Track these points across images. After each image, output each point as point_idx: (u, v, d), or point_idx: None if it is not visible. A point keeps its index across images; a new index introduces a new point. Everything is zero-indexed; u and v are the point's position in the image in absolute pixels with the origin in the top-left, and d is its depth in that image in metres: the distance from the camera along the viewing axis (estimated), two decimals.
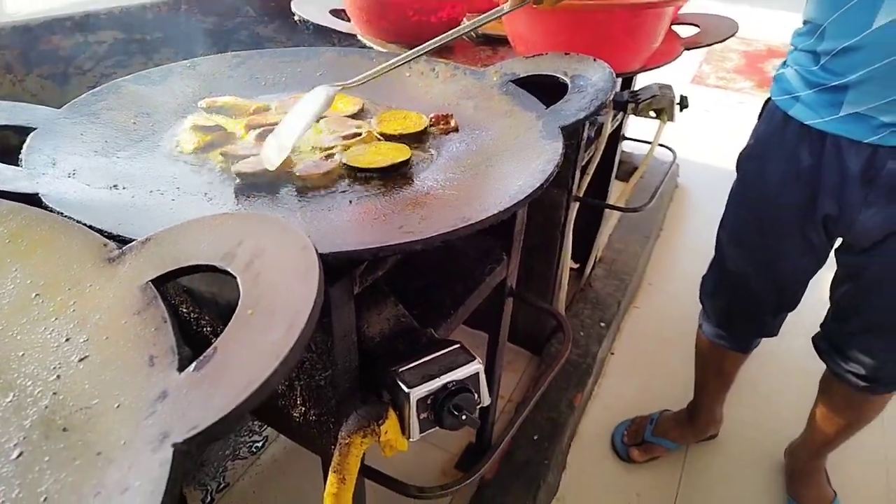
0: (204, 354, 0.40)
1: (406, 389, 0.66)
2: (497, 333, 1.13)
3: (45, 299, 0.48)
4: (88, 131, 0.79)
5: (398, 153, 0.80)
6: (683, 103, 1.44)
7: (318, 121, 0.89)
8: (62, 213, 0.59)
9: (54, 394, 0.41)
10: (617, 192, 1.81)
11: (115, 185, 0.69)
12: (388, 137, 0.86)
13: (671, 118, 1.42)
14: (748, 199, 1.10)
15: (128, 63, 1.17)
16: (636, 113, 1.43)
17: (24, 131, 0.76)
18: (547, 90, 0.94)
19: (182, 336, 0.43)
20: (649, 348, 1.69)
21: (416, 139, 0.86)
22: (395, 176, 0.77)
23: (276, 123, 0.86)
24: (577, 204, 1.41)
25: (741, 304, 1.19)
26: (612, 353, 1.65)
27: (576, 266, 1.83)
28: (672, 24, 1.40)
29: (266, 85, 1.01)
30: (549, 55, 1.00)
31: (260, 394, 0.37)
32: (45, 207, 0.61)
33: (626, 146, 2.16)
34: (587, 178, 1.42)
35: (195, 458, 0.32)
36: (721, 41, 1.30)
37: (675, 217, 2.27)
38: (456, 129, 0.89)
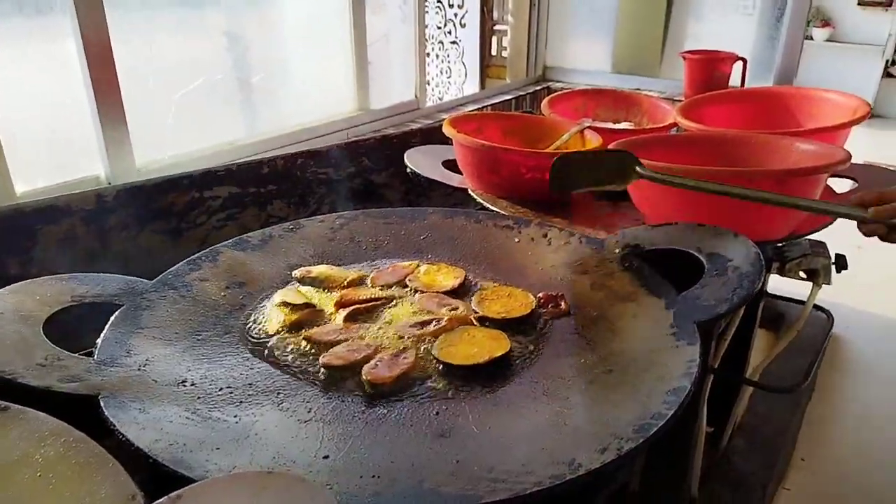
0: None
1: None
2: None
3: None
4: (175, 309, 0.76)
5: (496, 346, 0.69)
6: (841, 264, 1.24)
7: (414, 294, 0.82)
8: (115, 427, 0.53)
9: None
10: (762, 344, 1.59)
11: (183, 382, 0.63)
12: (490, 321, 0.75)
13: (827, 281, 1.23)
14: None
15: (241, 216, 1.18)
16: (782, 273, 1.25)
17: (111, 308, 0.73)
18: (674, 264, 0.82)
19: None
20: None
21: (522, 325, 0.75)
22: (490, 379, 0.65)
23: (368, 300, 0.79)
24: (712, 376, 1.22)
25: None
26: None
27: (709, 430, 1.60)
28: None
29: (367, 249, 0.96)
30: (679, 225, 0.87)
31: None
32: (101, 413, 0.55)
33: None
34: (724, 346, 1.23)
35: None
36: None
37: (828, 372, 1.97)
38: (567, 313, 0.77)
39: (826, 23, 4.96)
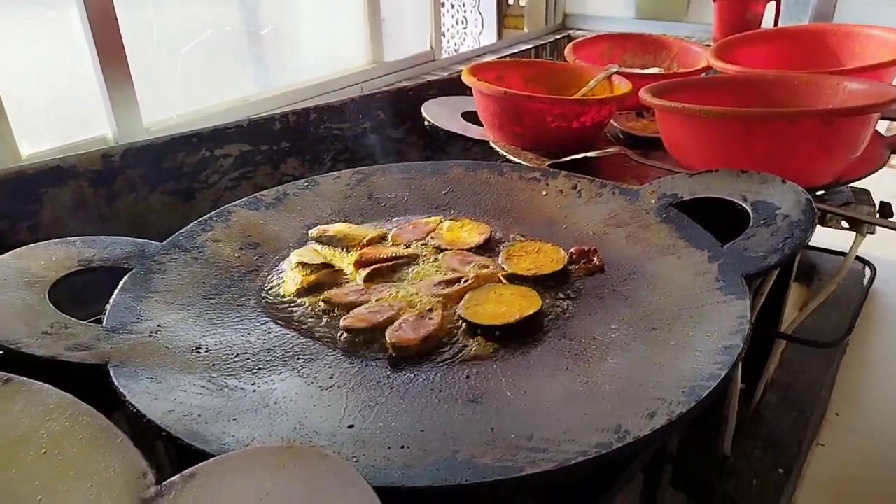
0: None
1: None
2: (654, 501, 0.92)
3: None
4: (187, 272, 0.72)
5: (527, 304, 0.65)
6: (886, 212, 1.18)
7: (437, 252, 0.77)
8: (125, 398, 0.50)
9: None
10: (794, 297, 1.53)
11: (198, 348, 0.60)
12: (519, 278, 0.71)
13: (871, 230, 1.16)
14: None
15: (253, 174, 1.14)
16: (823, 223, 1.19)
17: (120, 272, 0.69)
18: (717, 217, 0.76)
19: None
20: (841, 501, 1.36)
21: (554, 282, 0.71)
22: (521, 341, 0.61)
23: (389, 259, 0.75)
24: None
25: None
26: None
27: (742, 386, 1.56)
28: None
29: (386, 206, 0.91)
30: (720, 172, 0.81)
31: None
32: (111, 383, 0.52)
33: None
34: (761, 300, 1.18)
35: None
36: None
37: (864, 327, 1.90)
38: (601, 269, 0.72)
39: None
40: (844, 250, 1.30)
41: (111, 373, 0.53)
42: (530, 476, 0.42)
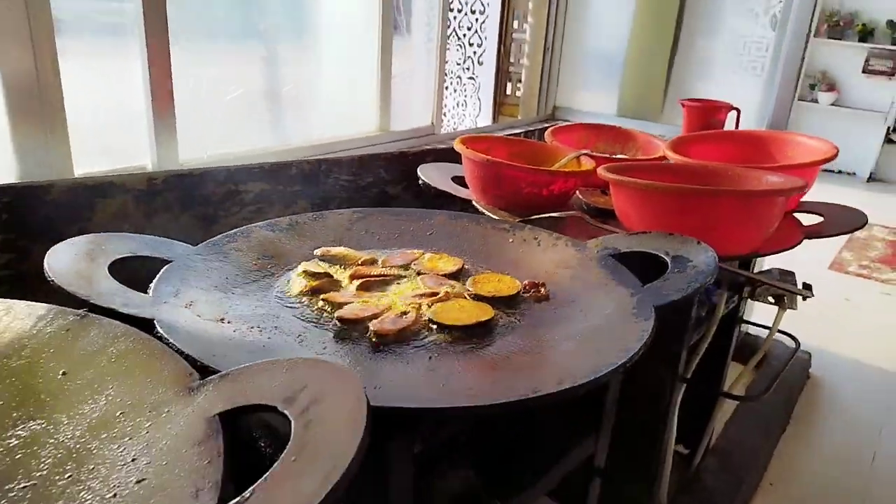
0: (241, 496, 0.42)
1: None
2: None
3: (127, 419, 0.52)
4: (215, 268, 0.89)
5: (482, 313, 0.82)
6: (808, 292, 1.36)
7: (417, 275, 0.95)
8: (167, 340, 0.66)
9: (139, 481, 0.44)
10: (735, 375, 1.69)
11: (222, 319, 0.76)
12: (480, 298, 0.88)
13: (792, 306, 1.35)
14: None
15: (267, 211, 1.32)
16: (752, 297, 1.37)
17: (162, 263, 0.86)
18: (647, 269, 0.94)
19: (258, 465, 0.45)
20: None
21: (507, 303, 0.88)
22: (476, 336, 0.78)
23: (378, 275, 0.93)
24: (684, 385, 1.33)
25: None
26: None
27: (685, 452, 1.69)
28: (794, 211, 1.37)
29: (380, 239, 1.09)
30: (652, 233, 1.01)
31: None
32: (156, 332, 0.68)
33: (757, 332, 2.05)
34: (696, 359, 1.35)
35: None
36: (845, 233, 1.25)
37: (805, 412, 2.06)
38: (547, 298, 0.90)
39: (832, 87, 5.15)
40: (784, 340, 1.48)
41: (156, 323, 0.69)
42: (466, 408, 0.58)
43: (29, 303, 0.67)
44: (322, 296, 0.86)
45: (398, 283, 0.92)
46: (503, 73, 2.60)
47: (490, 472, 0.83)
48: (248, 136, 1.56)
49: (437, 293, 0.87)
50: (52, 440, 0.51)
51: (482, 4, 2.40)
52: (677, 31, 2.32)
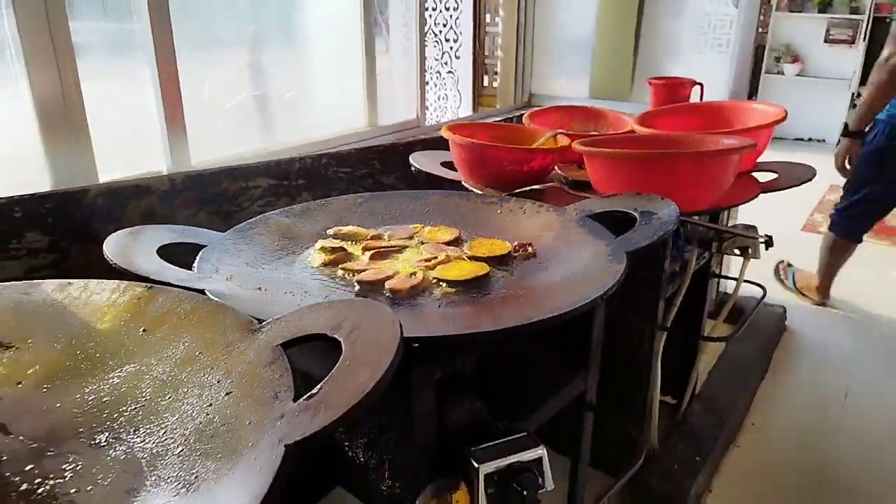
0: (312, 391, 0.55)
1: (476, 465, 0.76)
2: (578, 449, 1.19)
3: (206, 355, 0.65)
4: (244, 250, 1.02)
5: (479, 269, 0.95)
6: (769, 243, 1.51)
7: (420, 244, 1.08)
8: (218, 302, 0.79)
9: (206, 415, 0.57)
10: (719, 331, 1.87)
11: (259, 287, 0.89)
12: (477, 259, 1.02)
13: (756, 255, 1.50)
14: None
15: (275, 203, 1.45)
16: (720, 251, 1.52)
17: (197, 248, 0.99)
18: (620, 224, 1.08)
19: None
20: (751, 489, 1.63)
21: (500, 261, 1.02)
22: (476, 288, 0.92)
23: (387, 247, 1.06)
24: (665, 334, 1.48)
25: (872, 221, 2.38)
26: (710, 491, 1.61)
27: (673, 402, 1.84)
28: (752, 171, 1.51)
29: (383, 219, 1.22)
30: (623, 195, 1.15)
31: (348, 416, 0.51)
32: (208, 297, 0.81)
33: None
34: (673, 310, 1.49)
35: (299, 456, 0.43)
36: (798, 185, 1.39)
37: (782, 361, 2.22)
38: (534, 255, 1.04)
39: (796, 59, 5.33)
40: (764, 299, 1.63)
41: (207, 293, 0.82)
42: (473, 334, 0.72)
43: (100, 280, 0.79)
44: (341, 265, 0.99)
45: (404, 252, 1.06)
46: (480, 66, 2.74)
47: (493, 405, 0.97)
48: (251, 138, 1.69)
49: (439, 257, 1.01)
50: (148, 376, 0.64)
51: (455, 1, 2.54)
52: (640, 14, 2.47)
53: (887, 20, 5.02)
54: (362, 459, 0.89)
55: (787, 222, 3.52)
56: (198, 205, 1.32)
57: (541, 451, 0.79)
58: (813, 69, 5.32)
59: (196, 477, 0.50)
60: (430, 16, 2.55)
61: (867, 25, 5.03)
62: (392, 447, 0.84)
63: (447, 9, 2.56)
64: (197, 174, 1.30)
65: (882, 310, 2.61)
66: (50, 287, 0.78)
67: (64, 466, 0.54)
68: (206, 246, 1.00)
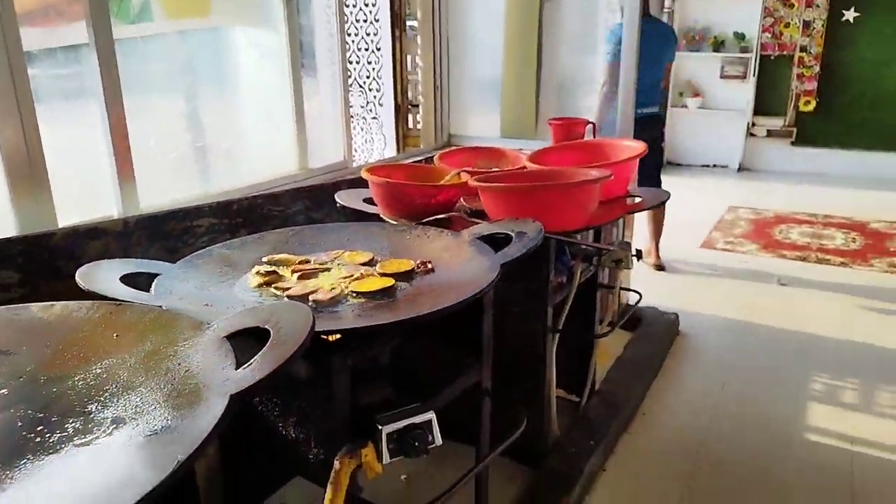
0: (247, 363, 0.78)
1: (380, 427, 1.00)
2: (479, 434, 1.43)
3: (168, 348, 0.87)
4: (192, 276, 1.24)
5: (386, 282, 1.20)
6: (639, 255, 1.82)
7: (340, 266, 1.32)
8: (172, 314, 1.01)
9: (171, 385, 0.79)
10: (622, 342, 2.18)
11: (206, 304, 1.11)
12: (385, 275, 1.26)
13: (628, 266, 1.79)
14: None
15: (218, 238, 1.66)
16: (600, 264, 1.81)
17: (152, 276, 1.20)
18: (502, 243, 1.35)
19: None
20: (641, 468, 1.90)
21: (404, 276, 1.26)
22: (383, 296, 1.16)
23: (312, 269, 1.29)
24: (557, 335, 1.75)
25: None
26: (604, 470, 1.87)
27: (576, 399, 2.11)
28: (624, 196, 1.82)
29: (310, 246, 1.46)
30: (505, 220, 1.42)
31: (272, 376, 0.74)
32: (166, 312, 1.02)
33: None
34: (563, 314, 1.77)
35: (238, 405, 0.61)
36: (655, 207, 1.70)
37: (675, 361, 2.53)
38: (432, 270, 1.29)
39: (697, 93, 5.86)
40: (661, 307, 1.92)
41: (163, 307, 1.03)
42: (373, 326, 0.96)
43: (77, 301, 1.00)
44: (273, 285, 1.22)
45: (327, 273, 1.29)
46: (403, 112, 3.02)
47: (404, 390, 1.20)
48: (193, 185, 1.90)
49: (355, 275, 1.25)
50: (124, 366, 0.85)
51: (377, 56, 2.83)
52: (539, 58, 2.81)
53: (771, 58, 5.62)
54: (293, 434, 1.11)
55: (687, 240, 3.91)
56: (149, 242, 1.52)
57: (430, 416, 1.03)
58: (712, 102, 5.86)
59: (169, 421, 0.72)
60: (354, 68, 2.83)
61: (755, 62, 5.61)
62: (317, 421, 1.06)
63: (369, 62, 2.84)
64: (148, 216, 1.51)
65: (759, 317, 2.96)
66: (36, 308, 0.99)
67: (66, 426, 0.75)
68: (159, 274, 1.21)
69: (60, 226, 1.53)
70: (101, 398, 0.80)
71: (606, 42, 3.08)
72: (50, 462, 0.69)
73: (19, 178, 1.43)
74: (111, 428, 0.74)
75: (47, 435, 0.73)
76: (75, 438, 0.73)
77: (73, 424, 0.75)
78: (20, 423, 0.76)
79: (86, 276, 1.11)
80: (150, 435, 0.71)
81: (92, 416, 0.77)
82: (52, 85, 1.65)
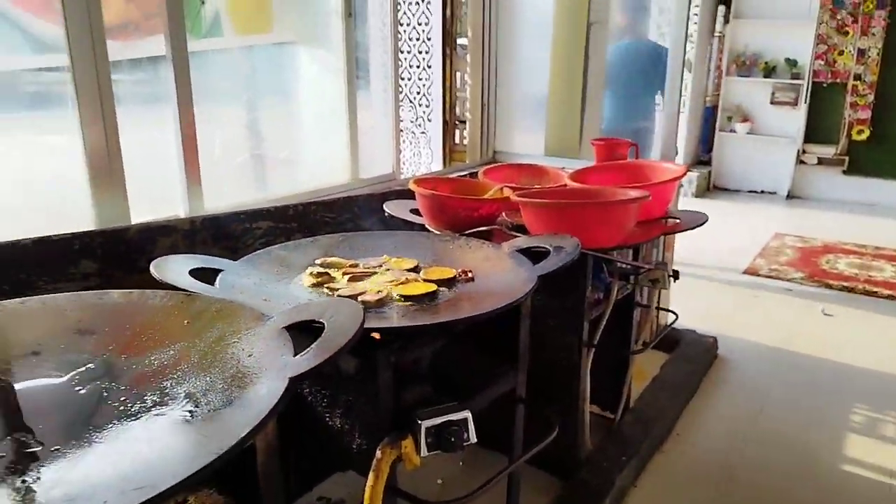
0: (305, 350, 0.87)
1: (419, 422, 1.07)
2: (513, 440, 1.50)
3: (233, 336, 0.97)
4: (252, 273, 1.34)
5: (429, 288, 1.28)
6: (676, 276, 1.86)
7: (387, 271, 1.41)
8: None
9: (236, 368, 0.88)
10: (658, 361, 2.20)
11: (265, 299, 1.21)
12: (429, 281, 1.34)
13: (665, 286, 1.84)
14: None
15: (274, 241, 1.77)
16: (637, 283, 1.86)
17: (216, 272, 1.31)
18: (541, 256, 1.42)
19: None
20: (672, 487, 1.92)
21: (446, 283, 1.34)
22: (426, 300, 1.24)
23: (361, 272, 1.39)
24: (592, 350, 1.80)
25: None
26: (636, 486, 1.90)
27: (611, 416, 2.15)
28: (664, 217, 1.86)
29: (360, 252, 1.55)
30: (543, 235, 1.49)
31: (327, 362, 0.83)
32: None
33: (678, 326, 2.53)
34: (599, 329, 1.82)
35: (298, 386, 0.68)
36: (692, 228, 1.75)
37: (712, 384, 2.54)
38: (472, 279, 1.36)
39: (746, 118, 5.81)
40: (699, 330, 1.95)
41: (228, 301, 1.13)
42: (416, 326, 1.04)
43: (153, 289, 1.11)
44: (325, 285, 1.31)
45: (374, 277, 1.38)
46: (450, 128, 3.12)
47: (443, 392, 1.28)
48: (254, 189, 2.03)
49: (401, 280, 1.34)
50: (194, 349, 0.95)
51: (427, 73, 2.94)
52: (585, 77, 2.88)
53: (824, 85, 5.54)
54: (340, 426, 1.19)
55: (730, 266, 3.90)
56: (213, 240, 1.64)
57: (466, 414, 1.10)
58: (762, 128, 5.80)
59: (234, 397, 0.81)
60: (405, 84, 2.94)
61: (807, 90, 5.55)
62: (362, 415, 1.14)
63: (419, 79, 2.96)
64: (213, 217, 1.63)
65: (800, 345, 2.94)
66: (117, 294, 1.10)
67: (145, 398, 0.85)
68: (223, 270, 1.32)
69: (133, 222, 1.66)
70: (175, 376, 0.90)
71: None
72: (132, 427, 0.78)
73: (100, 177, 1.57)
74: (185, 402, 0.83)
75: (129, 405, 0.83)
76: (153, 409, 0.82)
77: (151, 397, 0.85)
78: (105, 394, 0.86)
79: (159, 267, 1.22)
80: (219, 409, 0.80)
81: (167, 391, 0.86)
82: (129, 90, 1.80)
